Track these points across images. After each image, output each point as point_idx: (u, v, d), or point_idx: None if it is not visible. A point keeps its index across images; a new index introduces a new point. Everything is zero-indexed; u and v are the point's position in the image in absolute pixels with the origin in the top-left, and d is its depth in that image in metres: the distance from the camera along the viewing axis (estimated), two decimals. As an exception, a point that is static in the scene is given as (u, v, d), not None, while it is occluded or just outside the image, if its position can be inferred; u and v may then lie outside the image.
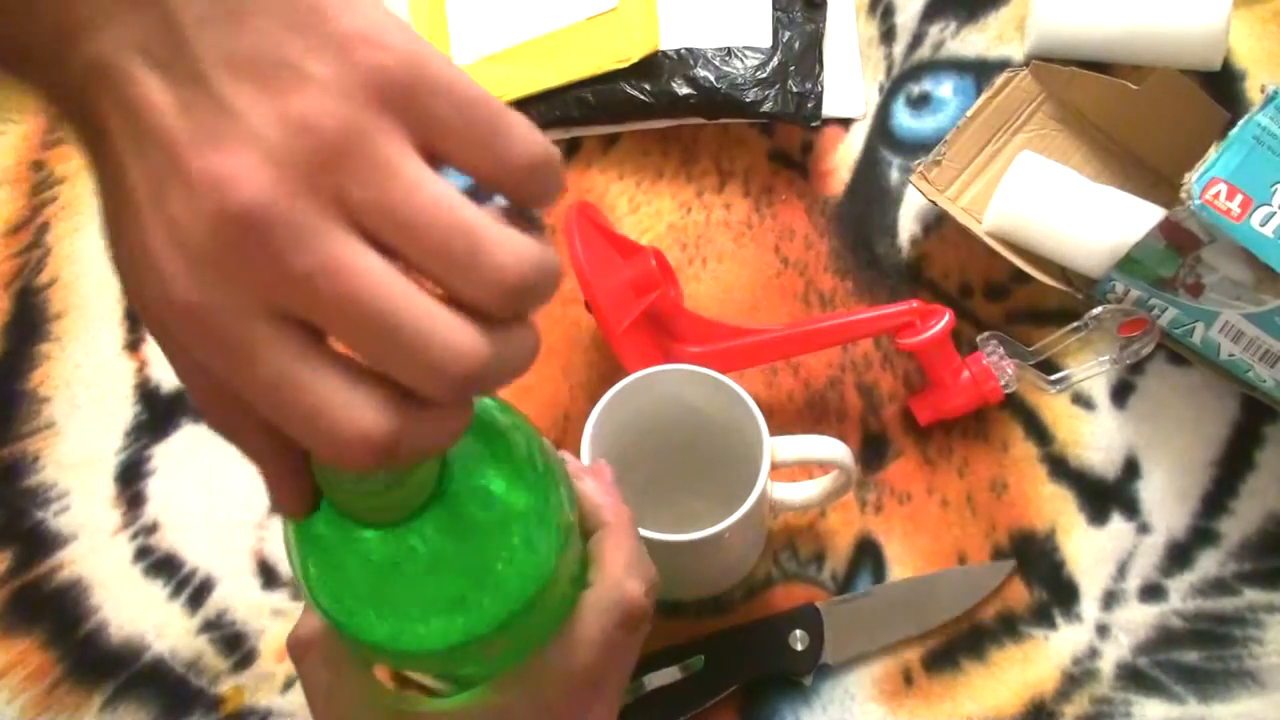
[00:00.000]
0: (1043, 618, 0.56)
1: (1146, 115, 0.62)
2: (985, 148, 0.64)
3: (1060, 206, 0.60)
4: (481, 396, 0.34)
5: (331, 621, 0.34)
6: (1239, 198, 0.52)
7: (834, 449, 0.53)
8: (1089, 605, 0.56)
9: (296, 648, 0.39)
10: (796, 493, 0.56)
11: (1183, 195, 0.53)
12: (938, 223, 0.65)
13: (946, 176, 0.63)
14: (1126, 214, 0.59)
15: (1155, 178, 0.63)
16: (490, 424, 0.35)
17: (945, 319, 0.57)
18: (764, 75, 0.65)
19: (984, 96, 0.64)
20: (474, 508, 0.33)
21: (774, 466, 0.50)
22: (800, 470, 0.58)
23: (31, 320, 0.65)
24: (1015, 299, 0.63)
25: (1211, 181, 0.53)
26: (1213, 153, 0.53)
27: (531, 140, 0.28)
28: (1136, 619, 0.56)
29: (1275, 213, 0.52)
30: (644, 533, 0.50)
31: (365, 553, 0.33)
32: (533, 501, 0.34)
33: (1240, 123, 0.54)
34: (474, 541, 0.33)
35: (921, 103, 0.68)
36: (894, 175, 0.66)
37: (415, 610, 0.33)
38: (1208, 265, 0.55)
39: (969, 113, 0.63)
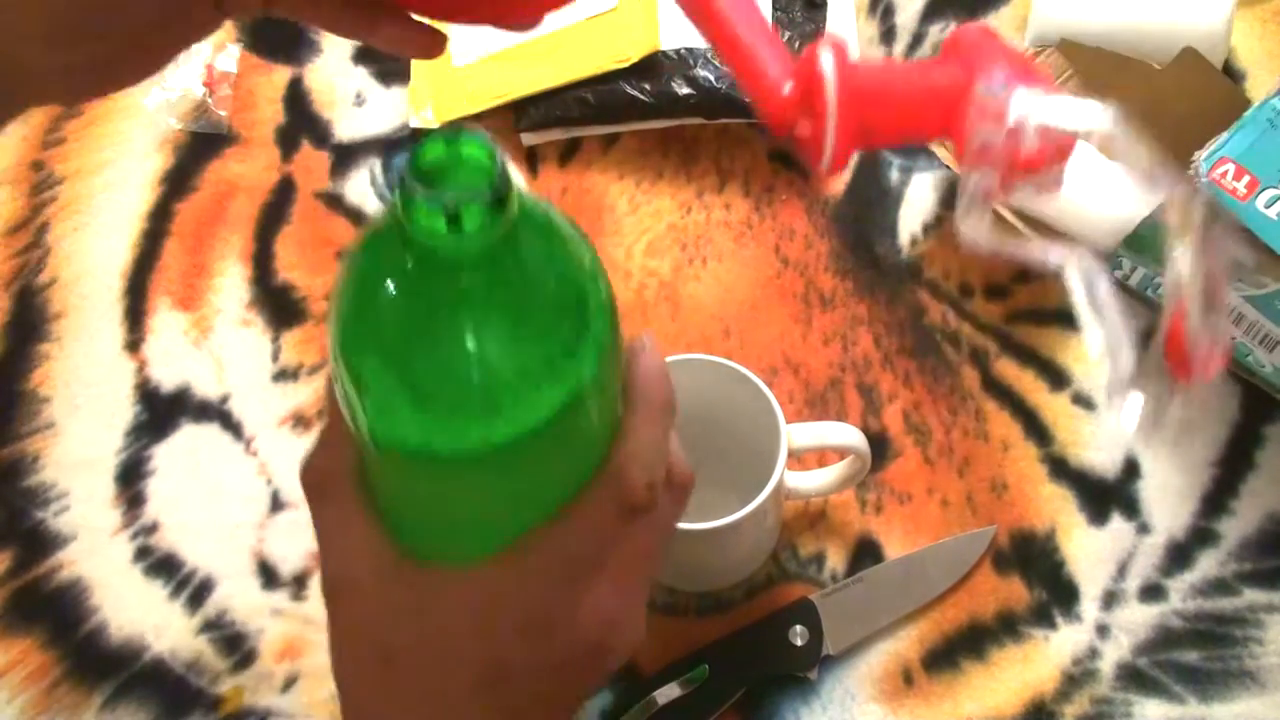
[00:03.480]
0: (1043, 618, 0.56)
1: (1168, 96, 0.62)
2: None
3: (1075, 181, 0.60)
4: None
5: (364, 425, 0.33)
6: (1246, 178, 0.53)
7: (849, 434, 0.53)
8: (1089, 605, 0.56)
9: (312, 480, 0.38)
10: (810, 480, 0.56)
11: (1190, 172, 0.53)
12: (938, 223, 0.65)
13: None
14: (1139, 192, 0.59)
15: (1173, 159, 0.63)
16: (563, 228, 0.34)
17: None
18: (764, 75, 0.65)
19: None
20: (537, 272, 0.32)
21: (790, 454, 0.51)
22: (811, 459, 0.58)
23: (31, 320, 0.65)
24: (1016, 299, 0.63)
25: (1220, 160, 0.53)
26: (1225, 133, 0.54)
27: None
28: (1136, 619, 0.56)
29: (1281, 196, 0.53)
30: None
31: (420, 308, 0.31)
32: (591, 300, 0.33)
33: (1255, 105, 0.54)
34: (527, 310, 0.32)
35: (921, 103, 0.68)
36: (894, 175, 0.66)
37: (453, 392, 0.32)
38: None
39: None
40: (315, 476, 0.38)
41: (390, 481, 0.36)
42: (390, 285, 0.32)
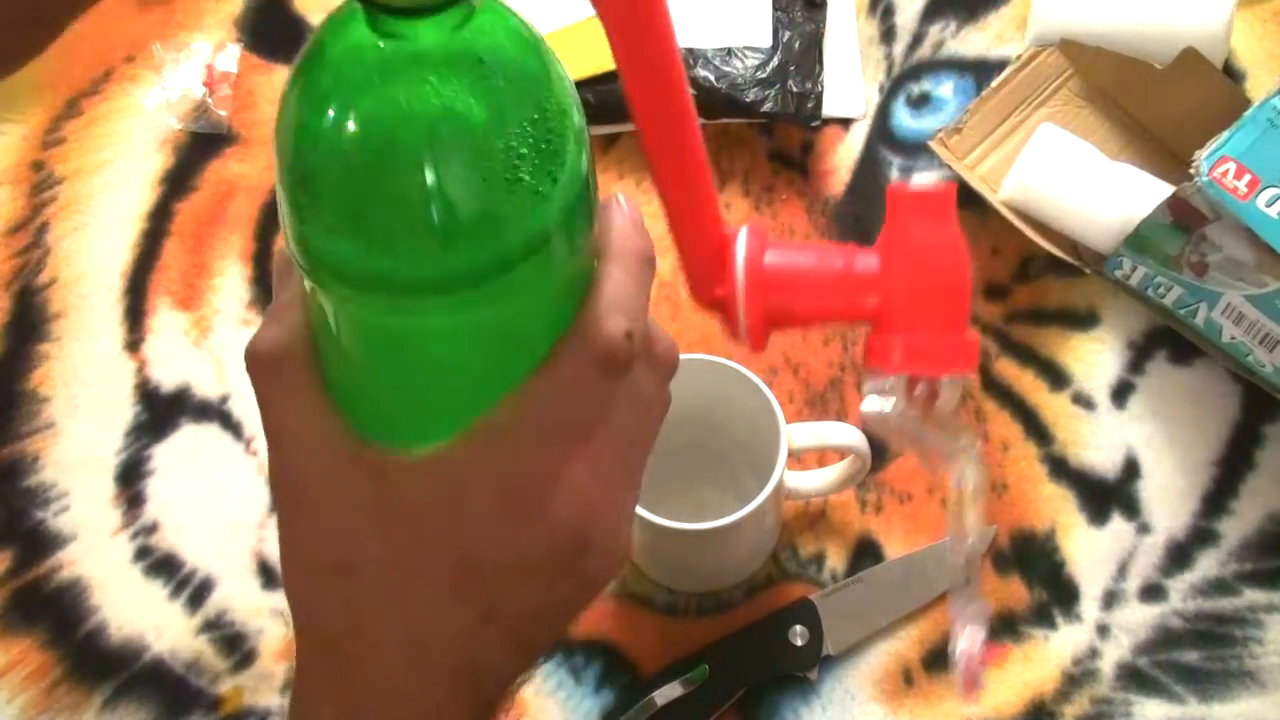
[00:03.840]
0: (1043, 618, 0.56)
1: (1169, 96, 0.62)
2: (1007, 119, 0.64)
3: (1077, 181, 0.60)
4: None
5: (314, 256, 0.30)
6: (1247, 177, 0.53)
7: (849, 434, 0.54)
8: (1089, 605, 0.56)
9: (258, 358, 0.33)
10: (810, 480, 0.56)
11: (1191, 171, 0.53)
12: (938, 223, 0.65)
13: (966, 144, 0.63)
14: (1141, 192, 0.59)
15: (1174, 159, 0.63)
16: (537, 39, 0.31)
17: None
18: (764, 75, 0.65)
19: (1010, 69, 0.64)
20: (511, 75, 0.29)
21: (790, 454, 0.51)
22: (811, 459, 0.58)
23: (31, 320, 0.65)
24: (1016, 299, 0.63)
25: (1221, 159, 0.53)
26: (1226, 133, 0.54)
27: None
28: (1136, 619, 0.56)
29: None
30: (664, 523, 0.50)
31: (378, 110, 0.28)
32: (568, 118, 0.30)
33: (1256, 105, 0.54)
34: (500, 112, 0.29)
35: (922, 102, 0.68)
36: (894, 175, 0.66)
37: (412, 205, 0.29)
38: (1212, 244, 0.55)
39: (994, 84, 0.64)
40: (262, 353, 0.33)
41: (343, 340, 0.32)
42: (345, 85, 0.29)
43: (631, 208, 0.36)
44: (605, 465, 0.33)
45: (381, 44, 0.28)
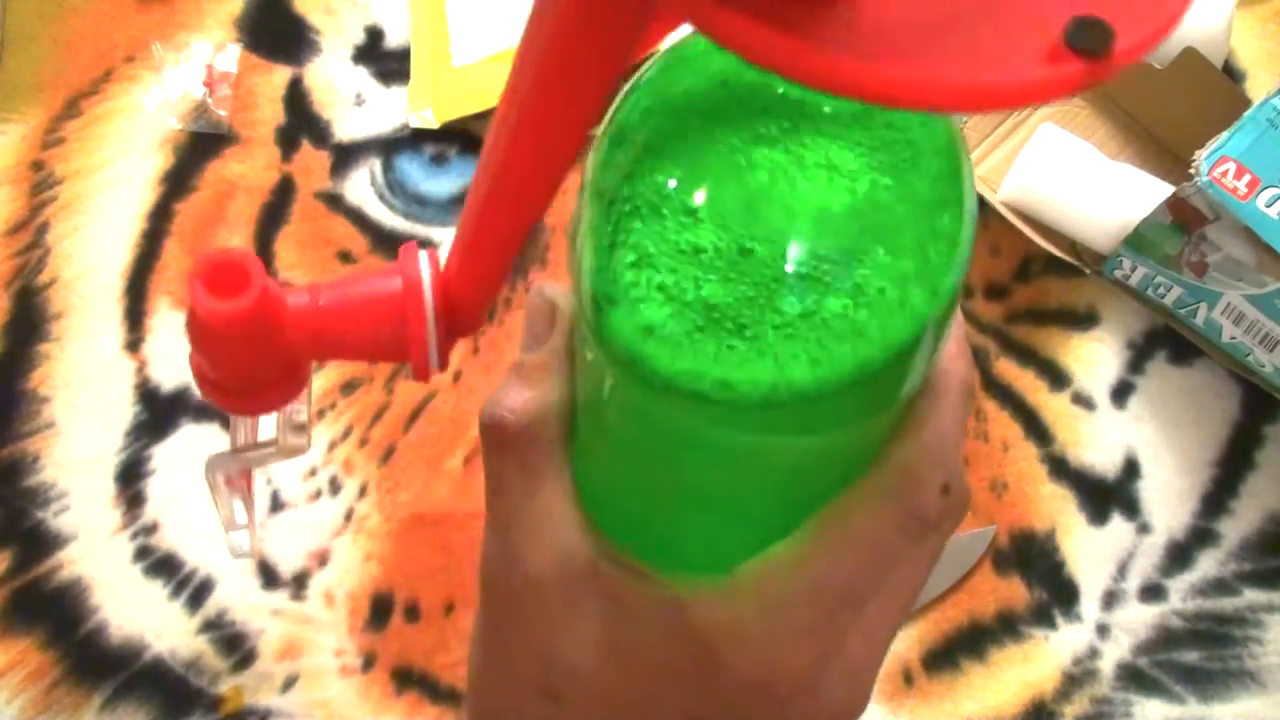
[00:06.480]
0: (1043, 618, 0.56)
1: (1169, 96, 0.62)
2: (1007, 119, 0.64)
3: (1077, 181, 0.60)
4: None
5: (617, 336, 0.23)
6: (1247, 177, 0.53)
7: None
8: (1089, 605, 0.56)
9: (502, 430, 0.27)
10: None
11: (1191, 171, 0.53)
12: (938, 223, 0.65)
13: (966, 144, 0.63)
14: (1141, 192, 0.59)
15: (1174, 160, 0.63)
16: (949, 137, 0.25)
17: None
18: (764, 75, 0.65)
19: None
20: (918, 137, 0.23)
21: None
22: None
23: (31, 320, 0.65)
24: (1015, 299, 0.63)
25: (1221, 159, 0.53)
26: (1226, 133, 0.54)
27: None
28: (1136, 619, 0.56)
29: (1282, 197, 0.53)
30: None
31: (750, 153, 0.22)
32: (965, 207, 0.24)
33: (1256, 105, 0.54)
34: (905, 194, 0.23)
35: (922, 103, 0.68)
36: (894, 175, 0.66)
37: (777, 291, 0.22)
38: (1212, 244, 0.55)
39: None
40: (511, 423, 0.27)
41: (616, 434, 0.27)
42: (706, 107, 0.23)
43: (958, 325, 0.29)
44: (878, 633, 0.28)
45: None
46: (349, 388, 0.62)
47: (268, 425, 0.33)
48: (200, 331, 0.27)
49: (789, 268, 0.22)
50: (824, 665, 0.27)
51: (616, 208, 0.23)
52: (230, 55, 0.72)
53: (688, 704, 0.27)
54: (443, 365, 0.28)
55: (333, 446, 0.60)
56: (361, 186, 0.68)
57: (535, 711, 0.28)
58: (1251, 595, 0.56)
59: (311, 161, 0.69)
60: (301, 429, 0.32)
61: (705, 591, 0.27)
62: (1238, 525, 0.58)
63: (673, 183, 0.23)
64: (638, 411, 0.26)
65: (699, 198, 0.22)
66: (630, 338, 0.23)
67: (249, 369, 0.28)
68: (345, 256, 0.65)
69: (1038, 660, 0.55)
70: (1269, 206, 0.53)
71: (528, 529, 0.28)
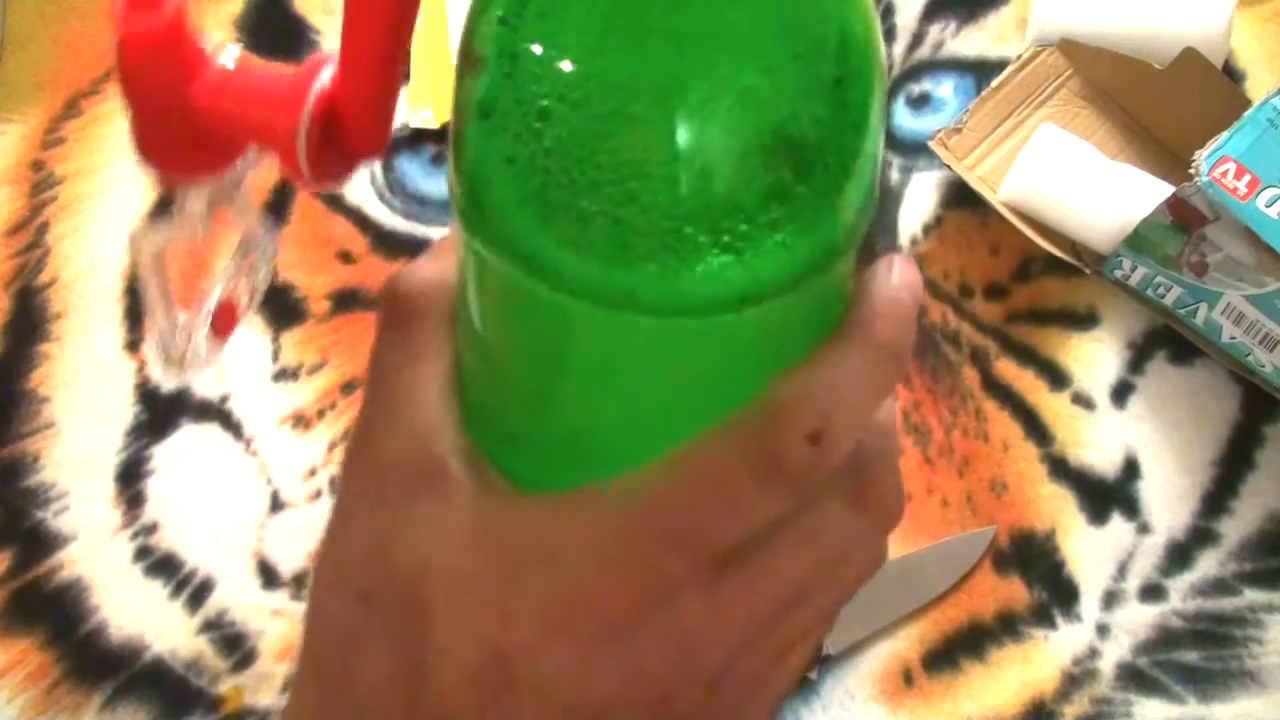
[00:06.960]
0: (1043, 618, 0.56)
1: (1169, 96, 0.63)
2: (1007, 119, 0.64)
3: (1077, 181, 0.60)
4: None
5: (490, 204, 0.22)
6: (1247, 177, 0.53)
7: None
8: (1089, 605, 0.56)
9: (395, 300, 0.26)
10: None
11: (1191, 171, 0.53)
12: (937, 223, 0.65)
13: (966, 145, 0.63)
14: (1141, 192, 0.59)
15: (1174, 160, 0.63)
16: None
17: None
18: (764, 75, 0.65)
19: (1010, 69, 0.64)
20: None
21: None
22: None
23: (31, 320, 0.65)
24: (1015, 299, 0.63)
25: (1221, 159, 0.53)
26: (1226, 133, 0.54)
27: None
28: (1136, 619, 0.56)
29: (1282, 196, 0.53)
30: None
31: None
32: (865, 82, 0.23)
33: (1256, 105, 0.55)
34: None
35: (921, 103, 0.68)
36: (894, 175, 0.66)
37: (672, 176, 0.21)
38: (1212, 244, 0.55)
39: (994, 84, 0.64)
40: (404, 292, 0.26)
41: (490, 320, 0.24)
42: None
43: (911, 276, 0.26)
44: (731, 615, 0.24)
45: None
46: (349, 388, 0.62)
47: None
48: (122, 57, 0.28)
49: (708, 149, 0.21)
50: (644, 612, 0.23)
51: (485, 71, 0.22)
52: (230, 55, 0.71)
53: (492, 631, 0.23)
54: (320, 176, 0.28)
55: (332, 446, 0.60)
56: (361, 186, 0.68)
57: (346, 613, 0.25)
58: (1251, 595, 0.56)
59: (311, 161, 0.69)
60: (246, 213, 0.34)
61: (531, 504, 0.24)
62: (1238, 525, 0.58)
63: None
64: (488, 281, 0.24)
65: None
66: (504, 223, 0.22)
67: (168, 111, 0.30)
68: (345, 256, 0.65)
69: (1038, 660, 0.55)
70: (1269, 206, 0.53)
71: (388, 408, 0.25)
